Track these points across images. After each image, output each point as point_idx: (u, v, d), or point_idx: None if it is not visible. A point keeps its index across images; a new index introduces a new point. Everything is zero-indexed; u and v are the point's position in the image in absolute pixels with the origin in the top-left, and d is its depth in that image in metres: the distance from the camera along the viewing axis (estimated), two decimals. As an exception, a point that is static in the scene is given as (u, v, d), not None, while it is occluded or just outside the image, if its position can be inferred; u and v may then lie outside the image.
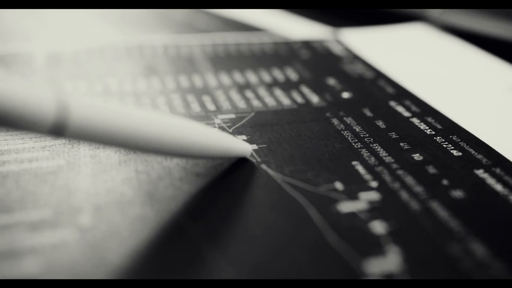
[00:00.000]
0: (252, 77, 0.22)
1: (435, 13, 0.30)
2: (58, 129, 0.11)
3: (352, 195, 0.14)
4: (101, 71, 0.22)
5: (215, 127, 0.18)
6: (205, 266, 0.12)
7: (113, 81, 0.21)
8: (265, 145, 0.17)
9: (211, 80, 0.22)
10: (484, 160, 0.16)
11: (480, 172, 0.15)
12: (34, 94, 0.11)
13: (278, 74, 0.23)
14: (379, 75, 0.23)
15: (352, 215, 0.13)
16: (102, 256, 0.12)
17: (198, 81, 0.22)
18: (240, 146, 0.15)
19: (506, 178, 0.15)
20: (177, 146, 0.13)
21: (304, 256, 0.12)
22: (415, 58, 0.25)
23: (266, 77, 0.22)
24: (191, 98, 0.20)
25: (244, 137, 0.17)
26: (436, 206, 0.14)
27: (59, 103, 0.11)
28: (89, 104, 0.12)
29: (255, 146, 0.17)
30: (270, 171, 0.15)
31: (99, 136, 0.12)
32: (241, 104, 0.20)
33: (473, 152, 0.16)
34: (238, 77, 0.22)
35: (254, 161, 0.16)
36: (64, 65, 0.23)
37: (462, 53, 0.26)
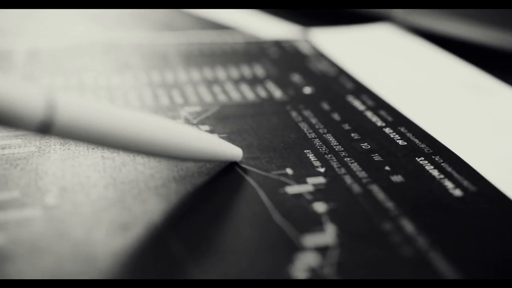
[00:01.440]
0: (221, 73, 0.23)
1: (400, 14, 0.31)
2: (45, 128, 0.12)
3: (300, 180, 0.15)
4: (77, 67, 0.23)
5: (181, 120, 0.19)
6: (158, 240, 0.13)
7: (88, 76, 0.22)
8: (225, 135, 0.18)
9: (182, 76, 0.23)
10: (426, 149, 0.17)
11: (420, 160, 0.16)
12: (24, 92, 0.11)
13: (246, 71, 0.24)
14: (341, 72, 0.24)
15: (298, 196, 0.15)
16: (64, 232, 0.13)
17: (169, 77, 0.23)
18: (231, 150, 0.16)
19: (444, 165, 0.16)
20: (166, 148, 0.14)
21: (252, 230, 0.13)
22: (377, 56, 0.26)
23: (234, 74, 0.23)
24: (161, 92, 0.21)
25: (207, 127, 0.18)
26: (375, 189, 0.15)
27: (47, 102, 0.12)
28: (76, 104, 0.12)
29: (216, 135, 0.18)
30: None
31: (85, 136, 0.12)
32: (208, 98, 0.21)
33: (417, 142, 0.18)
34: (207, 73, 0.23)
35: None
36: (42, 61, 0.24)
37: (421, 51, 0.27)
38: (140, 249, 0.12)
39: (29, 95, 0.11)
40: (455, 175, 0.16)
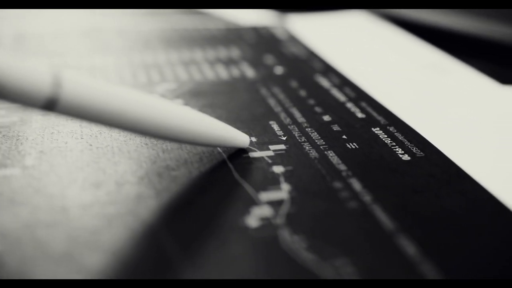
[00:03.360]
0: (198, 55, 0.25)
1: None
2: (50, 105, 0.12)
3: (263, 146, 0.17)
4: (61, 49, 0.25)
5: (157, 95, 0.20)
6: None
7: (71, 58, 0.24)
8: (197, 109, 0.19)
9: (161, 57, 0.24)
10: (383, 121, 0.18)
11: (376, 130, 0.18)
12: (32, 68, 0.12)
13: (222, 53, 0.25)
14: (312, 55, 0.25)
15: (259, 159, 0.16)
16: (41, 187, 0.14)
17: (148, 58, 0.24)
18: (239, 137, 0.16)
19: (397, 134, 0.17)
20: (172, 131, 0.14)
21: (216, 189, 0.14)
22: (349, 40, 0.28)
23: (211, 56, 0.25)
24: (140, 71, 0.22)
25: (181, 101, 0.20)
26: (331, 154, 0.16)
27: (54, 79, 0.12)
28: (81, 82, 0.12)
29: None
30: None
31: (90, 115, 0.13)
32: (184, 77, 0.22)
33: (375, 115, 0.19)
34: (185, 55, 0.25)
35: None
36: (28, 44, 0.25)
37: (392, 36, 0.28)
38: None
39: (37, 72, 0.12)
40: (406, 142, 0.17)
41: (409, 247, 0.12)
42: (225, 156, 0.16)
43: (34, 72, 0.12)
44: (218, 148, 0.16)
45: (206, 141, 0.15)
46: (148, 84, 0.21)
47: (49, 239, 0.12)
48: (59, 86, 0.12)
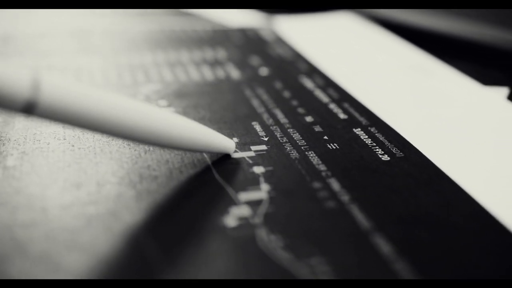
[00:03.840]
0: (184, 57, 0.25)
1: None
2: (29, 108, 0.12)
3: (244, 147, 0.17)
4: (48, 50, 0.25)
5: (141, 96, 0.20)
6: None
7: (58, 58, 0.24)
8: (181, 109, 0.19)
9: (147, 58, 0.24)
10: (364, 122, 0.18)
11: (357, 130, 0.18)
12: (11, 72, 0.12)
13: (208, 55, 0.25)
14: (298, 56, 0.25)
15: (240, 160, 0.16)
16: (21, 188, 0.14)
17: (135, 59, 0.24)
18: (224, 142, 0.16)
19: (378, 135, 0.18)
20: (153, 136, 0.14)
21: (196, 189, 0.14)
22: (334, 41, 0.28)
23: (198, 57, 0.25)
24: (125, 72, 0.22)
25: (165, 102, 0.20)
26: (312, 155, 0.16)
27: (33, 82, 0.12)
28: (61, 86, 0.12)
29: (173, 109, 0.19)
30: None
31: (69, 118, 0.13)
32: (169, 77, 0.22)
33: (357, 116, 0.19)
34: (172, 56, 0.25)
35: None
36: (15, 44, 0.25)
37: (377, 38, 0.29)
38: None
39: (16, 75, 0.12)
40: (386, 143, 0.17)
41: (384, 246, 0.13)
42: (206, 156, 0.16)
43: (13, 75, 0.12)
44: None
45: (191, 146, 0.15)
46: (133, 84, 0.21)
47: (28, 239, 0.12)
48: (38, 89, 0.12)
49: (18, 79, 0.12)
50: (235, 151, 0.16)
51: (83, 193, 0.14)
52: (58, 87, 0.12)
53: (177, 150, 0.16)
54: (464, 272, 0.12)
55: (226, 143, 0.16)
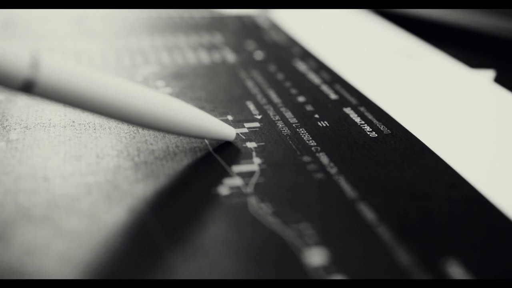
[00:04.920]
0: (182, 41, 0.25)
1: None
2: (27, 86, 0.12)
3: (238, 124, 0.17)
4: (48, 33, 0.25)
5: (139, 77, 0.21)
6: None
7: (57, 42, 0.24)
8: (178, 89, 0.20)
9: (145, 42, 0.25)
10: (354, 102, 0.19)
11: (347, 109, 0.19)
12: (11, 49, 0.12)
13: (205, 39, 0.26)
14: (292, 42, 0.26)
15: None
16: (24, 159, 0.15)
17: (133, 43, 0.25)
18: (225, 129, 0.16)
19: (367, 114, 0.18)
20: (152, 119, 0.14)
21: (193, 162, 0.15)
22: (326, 27, 0.28)
23: (195, 42, 0.25)
24: (124, 55, 0.23)
25: (163, 82, 0.20)
26: (303, 131, 0.17)
27: (32, 61, 0.12)
28: (59, 65, 0.12)
29: (170, 89, 0.20)
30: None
31: (66, 98, 0.13)
32: (166, 60, 0.23)
33: (348, 96, 0.20)
34: (169, 40, 0.25)
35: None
36: (16, 27, 0.26)
37: (371, 24, 0.29)
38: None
39: (15, 53, 0.12)
40: (375, 121, 0.18)
41: (368, 213, 0.13)
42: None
43: (12, 53, 0.12)
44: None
45: (191, 132, 0.15)
46: (132, 67, 0.22)
47: (31, 205, 0.13)
48: (37, 68, 0.12)
49: (18, 57, 0.12)
50: (233, 126, 0.17)
51: (83, 165, 0.15)
52: (57, 67, 0.13)
53: (176, 135, 0.16)
54: (444, 236, 0.12)
55: (227, 131, 0.16)
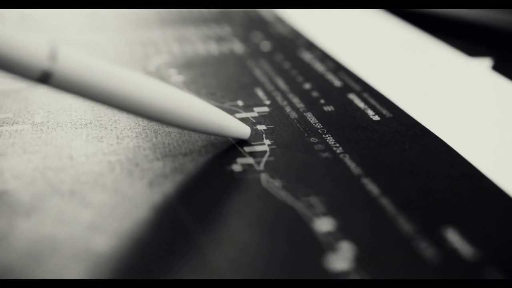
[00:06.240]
0: (192, 33, 0.26)
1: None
2: (45, 77, 0.13)
3: (248, 109, 0.18)
4: (62, 27, 0.26)
5: (153, 66, 0.22)
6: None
7: (71, 34, 0.25)
8: (190, 78, 0.21)
9: (156, 34, 0.26)
10: (358, 88, 0.20)
11: (351, 95, 0.20)
12: (30, 40, 0.12)
13: (214, 32, 0.27)
14: (297, 34, 0.27)
15: (244, 120, 0.18)
16: (49, 140, 0.16)
17: (145, 35, 0.26)
18: (240, 127, 0.16)
19: (370, 99, 0.19)
20: (167, 115, 0.14)
21: (207, 142, 0.16)
22: (331, 19, 0.29)
23: (204, 33, 0.26)
24: (137, 46, 0.24)
25: (175, 70, 0.21)
26: (309, 115, 0.18)
27: (50, 52, 0.12)
28: (77, 58, 0.13)
29: (183, 77, 0.21)
30: (186, 92, 0.19)
31: (83, 90, 0.13)
32: (177, 51, 0.24)
33: (352, 83, 0.21)
34: (180, 33, 0.26)
35: (180, 81, 0.20)
36: (30, 20, 0.27)
37: (372, 15, 0.30)
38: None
39: (34, 44, 0.12)
40: (378, 106, 0.19)
41: (371, 187, 0.14)
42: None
43: (31, 44, 0.12)
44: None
45: (205, 128, 0.15)
46: (144, 57, 0.23)
47: (58, 180, 0.14)
48: (55, 59, 0.12)
49: (36, 48, 0.12)
50: (239, 112, 0.18)
51: (104, 145, 0.16)
52: (74, 59, 0.13)
53: (190, 131, 0.16)
54: (443, 207, 0.13)
55: (242, 129, 0.16)
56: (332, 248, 0.12)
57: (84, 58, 0.13)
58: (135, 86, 0.14)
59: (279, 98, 0.19)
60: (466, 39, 0.27)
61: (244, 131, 0.16)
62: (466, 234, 0.13)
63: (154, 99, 0.14)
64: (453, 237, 0.12)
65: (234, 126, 0.16)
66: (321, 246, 0.12)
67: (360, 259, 0.12)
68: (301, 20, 0.30)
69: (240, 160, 0.15)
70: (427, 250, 0.12)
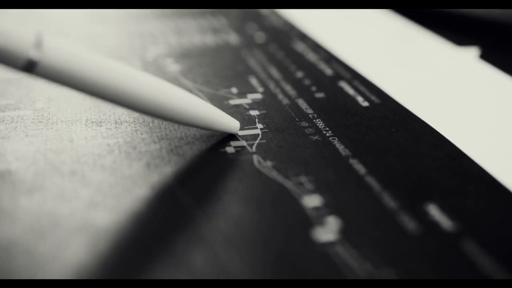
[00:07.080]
0: (189, 26, 0.27)
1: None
2: (29, 66, 0.12)
3: (241, 95, 0.19)
4: (60, 17, 0.27)
5: (150, 55, 0.22)
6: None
7: (70, 26, 0.26)
8: (186, 66, 0.21)
9: (154, 26, 0.26)
10: (348, 77, 0.21)
11: (342, 83, 0.20)
12: (15, 30, 0.12)
13: (210, 23, 0.27)
14: (293, 28, 0.27)
15: (238, 106, 0.18)
16: (50, 124, 0.17)
17: (143, 27, 0.26)
18: (229, 122, 0.16)
19: (360, 87, 0.20)
20: (154, 107, 0.14)
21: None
22: (324, 11, 0.30)
23: (200, 25, 0.27)
24: (135, 37, 0.25)
25: (172, 59, 0.22)
26: (301, 102, 0.19)
27: (36, 41, 0.12)
28: (63, 47, 0.13)
29: (179, 66, 0.21)
30: (183, 80, 0.20)
31: (68, 80, 0.13)
32: (174, 42, 0.24)
33: (343, 72, 0.21)
34: (178, 25, 0.27)
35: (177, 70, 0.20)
36: (30, 11, 0.27)
37: (366, 10, 0.31)
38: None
39: (19, 33, 0.12)
40: (367, 93, 0.19)
41: (358, 167, 0.15)
42: (209, 102, 0.18)
43: (16, 33, 0.12)
44: (202, 97, 0.19)
45: (193, 122, 0.15)
46: (142, 48, 0.23)
47: (59, 161, 0.15)
48: (40, 48, 0.12)
49: (22, 36, 0.12)
50: (233, 98, 0.19)
51: (103, 129, 0.16)
52: (59, 49, 0.13)
53: (179, 124, 0.16)
54: (425, 185, 0.14)
55: (231, 123, 0.16)
56: (319, 222, 0.13)
57: (70, 47, 0.13)
58: (122, 77, 0.14)
59: (272, 86, 0.20)
60: (454, 29, 0.28)
61: (233, 125, 0.16)
62: (446, 208, 0.13)
63: (141, 91, 0.14)
64: (434, 211, 0.13)
65: (224, 120, 0.16)
66: (309, 220, 0.13)
67: (346, 232, 0.12)
68: (295, 12, 0.30)
69: (234, 143, 0.16)
70: (409, 223, 0.13)
